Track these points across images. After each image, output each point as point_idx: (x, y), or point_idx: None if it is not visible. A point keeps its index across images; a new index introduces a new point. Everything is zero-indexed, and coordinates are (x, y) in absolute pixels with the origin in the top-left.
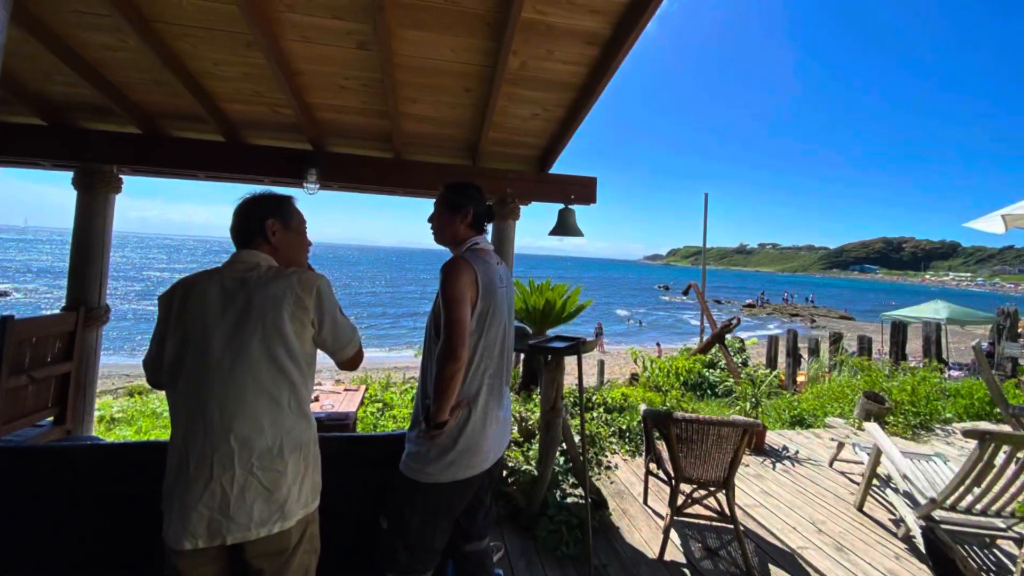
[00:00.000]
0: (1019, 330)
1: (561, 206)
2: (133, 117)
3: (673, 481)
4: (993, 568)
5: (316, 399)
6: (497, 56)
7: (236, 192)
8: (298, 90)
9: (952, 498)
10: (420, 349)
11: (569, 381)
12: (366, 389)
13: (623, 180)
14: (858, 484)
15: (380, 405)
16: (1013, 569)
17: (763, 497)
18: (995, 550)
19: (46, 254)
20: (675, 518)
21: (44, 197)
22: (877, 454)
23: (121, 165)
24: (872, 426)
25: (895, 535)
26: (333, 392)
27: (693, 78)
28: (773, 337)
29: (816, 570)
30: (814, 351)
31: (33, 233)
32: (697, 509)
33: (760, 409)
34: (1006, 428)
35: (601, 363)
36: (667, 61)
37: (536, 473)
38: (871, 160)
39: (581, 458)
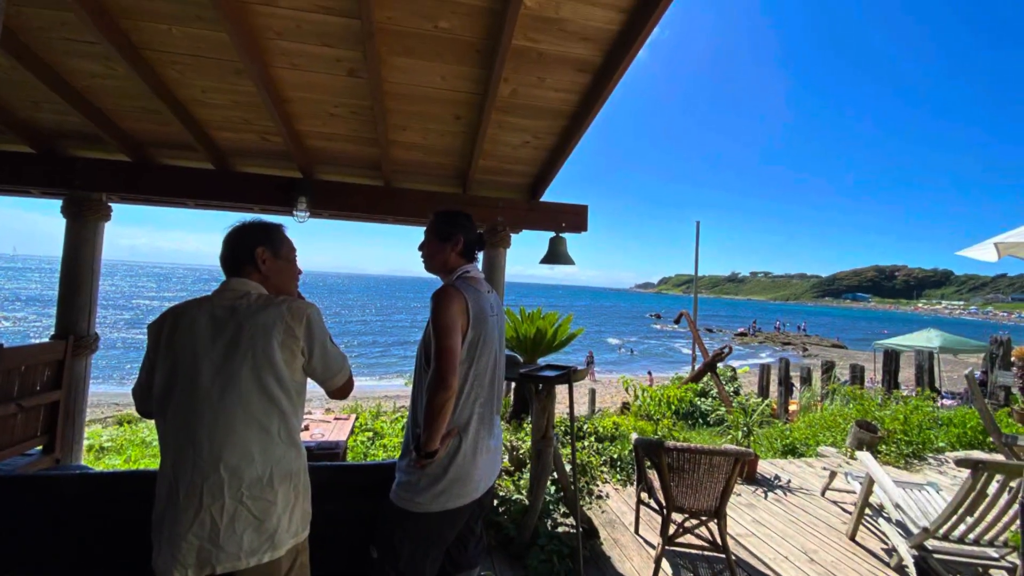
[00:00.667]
0: (1012, 359)
1: (552, 234)
2: (122, 145)
3: (664, 510)
4: None
5: (306, 428)
6: (488, 83)
7: (226, 220)
8: (288, 118)
9: (945, 527)
10: (410, 378)
11: (560, 410)
12: (356, 418)
13: (614, 208)
14: (850, 513)
15: (370, 434)
16: None
17: (755, 526)
18: None
19: (35, 282)
20: (666, 547)
21: (34, 225)
22: (869, 483)
23: (110, 193)
24: (864, 455)
25: (888, 564)
26: (323, 421)
27: (684, 105)
28: (765, 366)
29: None
30: (806, 380)
31: (22, 261)
32: (689, 539)
33: (752, 438)
34: (999, 457)
35: (592, 392)
36: (658, 88)
37: (527, 502)
38: (863, 188)
39: (572, 487)
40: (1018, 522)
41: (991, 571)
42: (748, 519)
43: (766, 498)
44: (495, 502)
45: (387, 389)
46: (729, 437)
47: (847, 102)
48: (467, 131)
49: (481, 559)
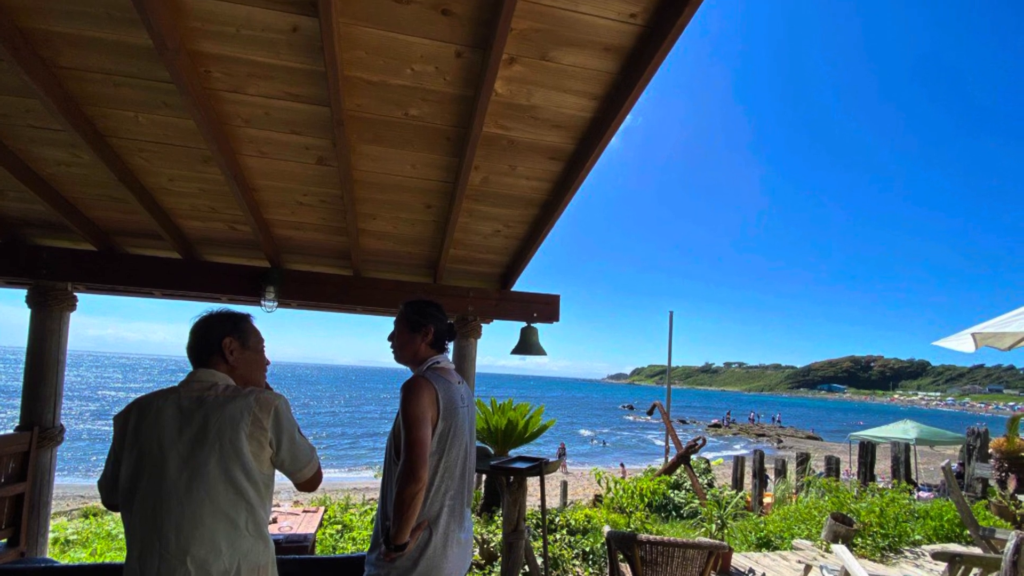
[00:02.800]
0: (990, 451)
1: (523, 324)
2: (88, 234)
3: None
4: None
5: (274, 520)
6: (459, 171)
7: (193, 310)
8: (256, 206)
9: None
10: (380, 470)
11: (532, 502)
12: (325, 510)
13: (586, 297)
14: None
15: (339, 527)
16: None
17: None
18: None
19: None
20: None
21: None
22: None
23: (76, 282)
24: (840, 548)
25: None
26: (291, 513)
27: (658, 193)
28: (739, 458)
29: None
30: (780, 472)
31: None
32: None
33: (726, 531)
34: (976, 550)
35: (564, 484)
36: (631, 176)
37: None
38: (838, 277)
39: None
40: None
41: None
42: None
43: None
44: None
45: (356, 481)
46: (703, 530)
47: (823, 189)
48: (438, 220)
49: None
